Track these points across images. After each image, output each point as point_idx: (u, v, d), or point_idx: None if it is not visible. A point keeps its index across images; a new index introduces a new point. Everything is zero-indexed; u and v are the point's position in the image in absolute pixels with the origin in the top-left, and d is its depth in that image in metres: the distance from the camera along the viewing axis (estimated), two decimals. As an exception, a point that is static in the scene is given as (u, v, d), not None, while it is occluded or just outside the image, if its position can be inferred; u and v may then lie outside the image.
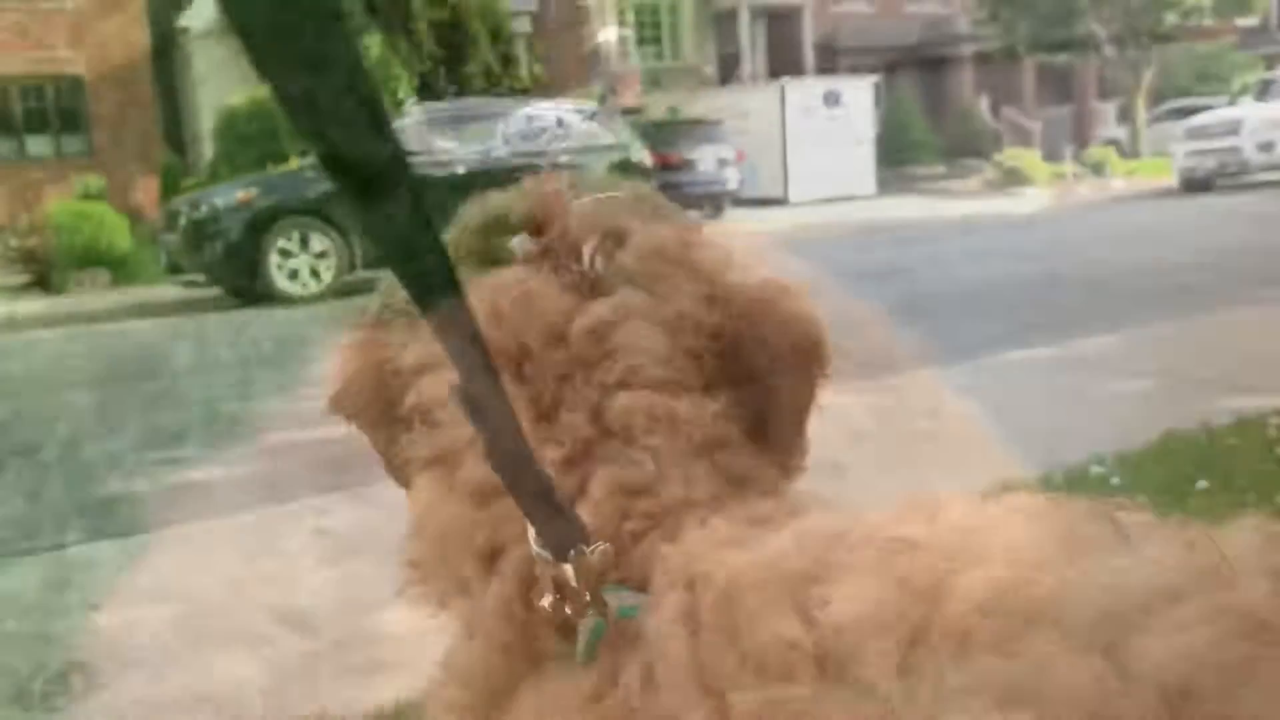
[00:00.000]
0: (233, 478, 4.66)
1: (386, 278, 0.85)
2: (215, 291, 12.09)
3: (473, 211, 0.92)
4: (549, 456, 0.74)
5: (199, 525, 3.79)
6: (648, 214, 0.83)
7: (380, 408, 0.86)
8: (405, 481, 0.85)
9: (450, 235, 0.87)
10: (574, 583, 0.67)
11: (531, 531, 0.69)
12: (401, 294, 0.84)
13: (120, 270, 14.57)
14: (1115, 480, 3.10)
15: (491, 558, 0.74)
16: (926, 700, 0.50)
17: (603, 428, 0.75)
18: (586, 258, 0.79)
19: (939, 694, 0.50)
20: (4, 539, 3.96)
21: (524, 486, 0.67)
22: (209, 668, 2.63)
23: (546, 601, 0.68)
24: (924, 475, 3.73)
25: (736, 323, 0.80)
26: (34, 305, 12.62)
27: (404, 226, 0.62)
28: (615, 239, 0.80)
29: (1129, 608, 0.50)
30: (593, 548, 0.68)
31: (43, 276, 14.41)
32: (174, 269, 12.15)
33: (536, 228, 0.82)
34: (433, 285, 0.64)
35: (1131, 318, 6.84)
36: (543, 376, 0.76)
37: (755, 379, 0.81)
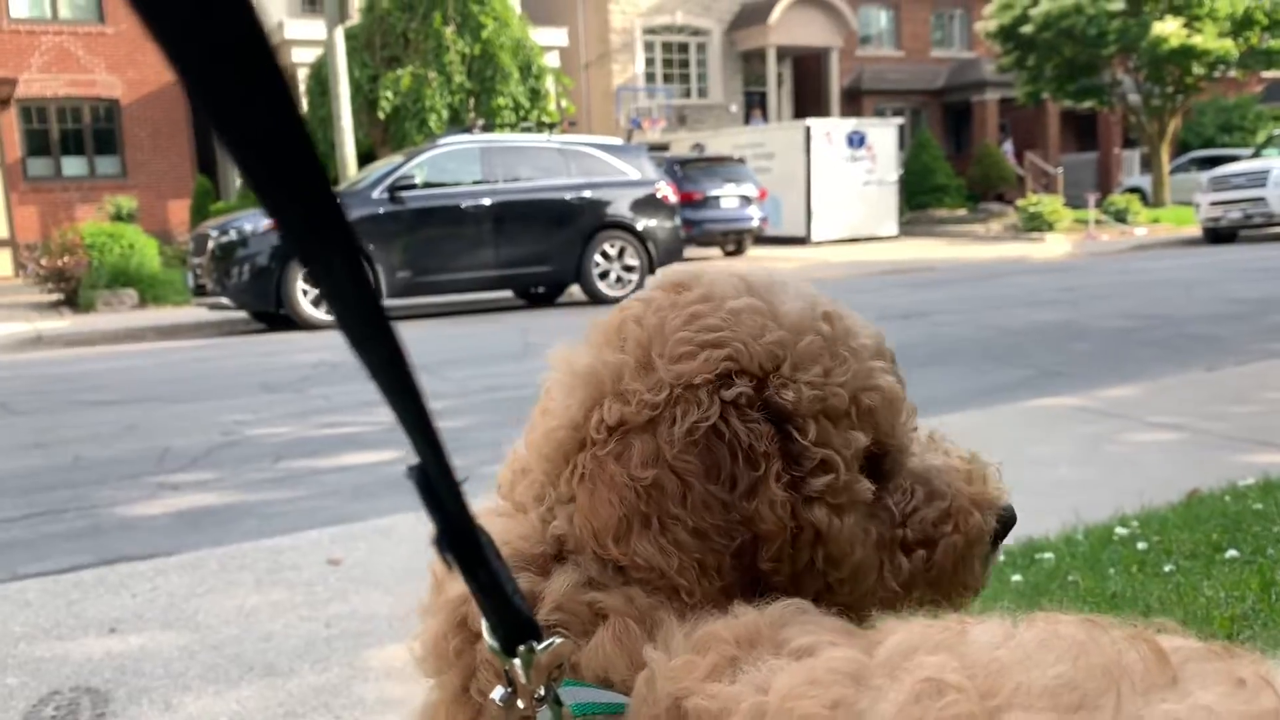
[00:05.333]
0: (249, 504, 4.67)
1: None
2: (241, 315, 12.19)
3: None
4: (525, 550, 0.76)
5: (213, 551, 3.79)
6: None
7: None
8: None
9: None
10: (524, 679, 0.66)
11: (484, 624, 0.67)
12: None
13: (148, 291, 14.73)
14: (1141, 545, 3.06)
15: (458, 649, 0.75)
16: None
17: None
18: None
19: None
20: (19, 559, 3.98)
21: (476, 576, 0.65)
22: (220, 697, 2.62)
23: (498, 695, 0.67)
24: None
25: None
26: (61, 323, 12.75)
27: (354, 299, 0.55)
28: None
29: None
30: (545, 644, 0.67)
31: (71, 295, 14.57)
32: (201, 291, 12.27)
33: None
34: (382, 358, 0.58)
35: (1154, 368, 6.79)
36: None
37: None
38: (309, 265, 0.53)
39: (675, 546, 0.73)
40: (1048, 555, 3.06)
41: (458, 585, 0.72)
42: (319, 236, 0.52)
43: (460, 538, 0.64)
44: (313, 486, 4.94)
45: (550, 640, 0.67)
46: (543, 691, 0.66)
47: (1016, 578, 2.87)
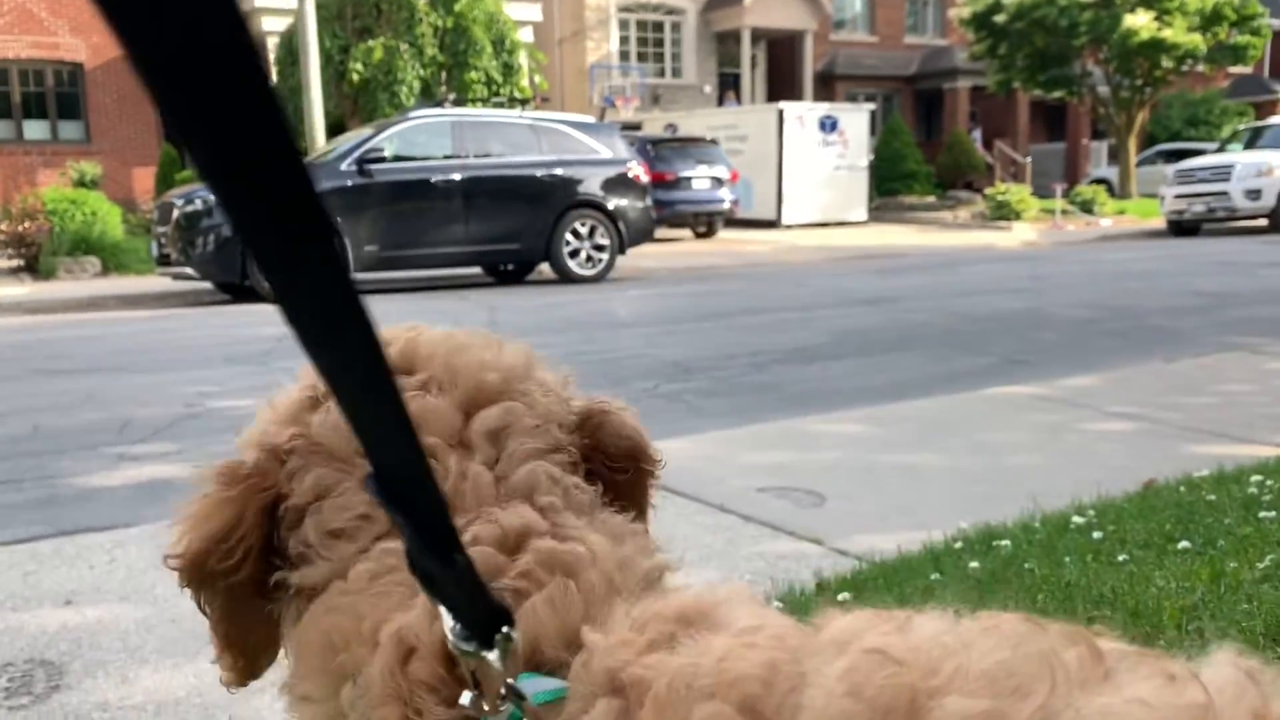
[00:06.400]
0: (211, 477, 4.62)
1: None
2: (205, 286, 12.04)
3: None
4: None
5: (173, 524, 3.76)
6: (495, 345, 0.94)
7: (255, 564, 0.85)
8: (267, 643, 0.89)
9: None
10: (498, 668, 0.65)
11: (449, 621, 0.66)
12: (284, 433, 0.87)
13: (111, 259, 14.51)
14: (1097, 534, 3.11)
15: (375, 638, 0.73)
16: None
17: (506, 500, 0.80)
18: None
19: None
20: (-24, 529, 3.93)
21: (448, 570, 0.64)
22: (177, 671, 2.61)
23: (466, 699, 0.67)
24: (901, 509, 3.74)
25: (585, 428, 0.93)
26: (21, 290, 12.54)
27: (328, 298, 0.53)
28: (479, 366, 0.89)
29: None
30: (511, 634, 0.67)
31: (32, 261, 14.32)
32: (165, 261, 12.10)
33: (406, 368, 0.89)
34: (353, 358, 0.55)
35: (1115, 359, 6.89)
36: (444, 478, 0.80)
37: (602, 473, 0.93)
38: (275, 252, 0.50)
39: None
40: (1005, 543, 3.10)
41: (397, 618, 0.72)
42: (289, 215, 0.49)
43: (435, 531, 0.63)
44: (275, 461, 4.91)
45: (514, 632, 0.66)
46: (504, 689, 0.65)
47: (974, 564, 2.91)
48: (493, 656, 0.65)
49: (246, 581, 0.85)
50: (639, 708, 0.59)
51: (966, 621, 0.57)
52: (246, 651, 0.90)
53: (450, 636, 0.66)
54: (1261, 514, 3.17)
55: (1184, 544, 2.95)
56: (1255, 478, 3.55)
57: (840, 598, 2.71)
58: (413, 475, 0.61)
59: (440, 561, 0.63)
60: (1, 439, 5.38)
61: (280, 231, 0.49)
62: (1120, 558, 2.90)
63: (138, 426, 5.56)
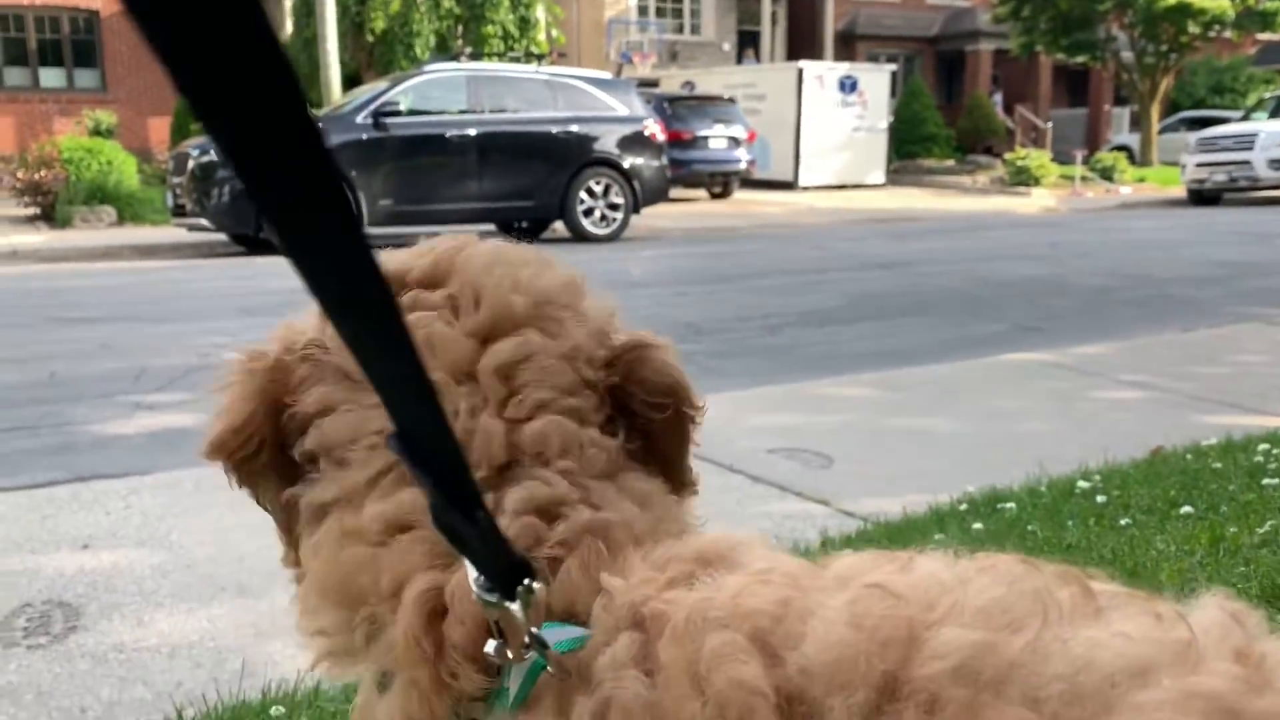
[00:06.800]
0: (225, 427, 4.67)
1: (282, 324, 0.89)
2: (220, 237, 12.07)
3: None
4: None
5: (188, 472, 3.81)
6: (538, 264, 0.89)
7: (272, 454, 0.85)
8: (291, 532, 0.86)
9: None
10: (521, 618, 0.66)
11: (472, 572, 0.67)
12: (302, 338, 0.85)
13: (127, 209, 14.53)
14: (1101, 499, 3.12)
15: (396, 595, 0.73)
16: None
17: (515, 456, 0.77)
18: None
19: None
20: (-6, 473, 3.99)
21: (471, 526, 0.65)
22: (191, 615, 2.66)
23: (491, 647, 0.68)
24: (909, 473, 3.76)
25: (620, 365, 0.87)
26: (37, 238, 12.59)
27: (342, 252, 0.53)
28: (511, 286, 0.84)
29: (1098, 683, 0.50)
30: (536, 585, 0.68)
31: (48, 210, 14.36)
32: (180, 212, 12.12)
33: (435, 281, 0.85)
34: (370, 319, 0.55)
35: (1130, 327, 6.86)
36: (453, 414, 0.78)
37: (638, 415, 0.87)
38: (287, 212, 0.50)
39: None
40: (1009, 506, 3.12)
41: (418, 581, 0.72)
42: (305, 173, 0.48)
43: (458, 487, 0.64)
44: (289, 412, 4.95)
45: (537, 582, 0.68)
46: (528, 638, 0.67)
47: (977, 525, 2.93)
48: (515, 607, 0.67)
49: (270, 470, 0.86)
50: (658, 639, 0.62)
51: (964, 561, 0.60)
52: (292, 541, 0.88)
53: (475, 588, 0.68)
54: (1265, 481, 3.18)
55: (1186, 509, 2.97)
56: (1262, 446, 3.56)
57: (845, 557, 2.73)
58: (434, 434, 0.61)
59: (464, 518, 0.64)
60: (19, 385, 5.44)
61: (290, 193, 0.49)
62: (1123, 521, 2.92)
63: (153, 376, 5.61)
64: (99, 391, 5.27)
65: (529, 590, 0.67)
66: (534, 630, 0.67)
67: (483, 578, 0.67)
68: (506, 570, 0.67)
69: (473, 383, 0.80)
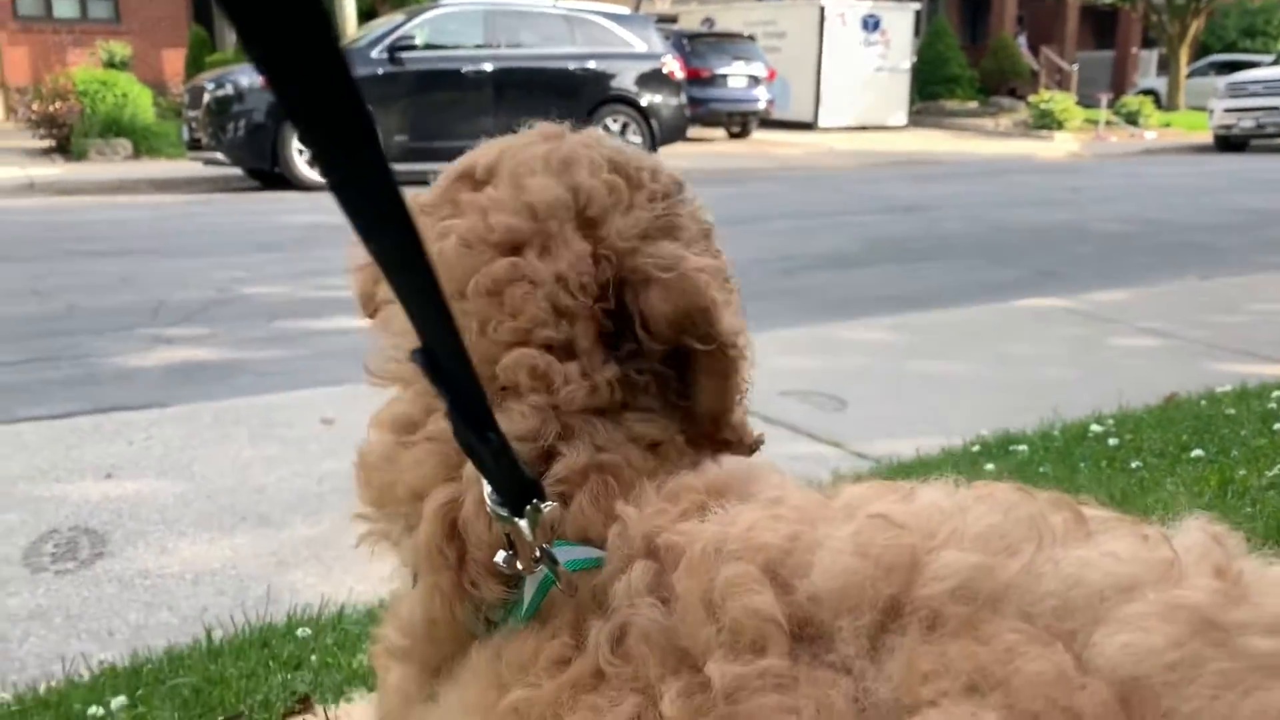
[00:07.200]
0: (243, 361, 4.72)
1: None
2: (236, 172, 12.04)
3: None
4: None
5: (208, 405, 3.86)
6: (574, 165, 0.84)
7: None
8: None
9: None
10: (529, 536, 0.70)
11: (487, 488, 0.71)
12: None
13: (142, 142, 14.47)
14: (1113, 441, 3.13)
15: (418, 499, 0.78)
16: (898, 680, 0.54)
17: (498, 383, 0.79)
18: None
19: (910, 676, 0.53)
20: (17, 403, 4.04)
21: (488, 441, 0.67)
22: (213, 544, 2.72)
23: (500, 558, 0.72)
24: (924, 416, 3.77)
25: (624, 283, 0.81)
26: (54, 170, 12.58)
27: (370, 179, 0.55)
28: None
29: (1088, 598, 0.53)
30: (546, 505, 0.71)
31: (64, 142, 14.32)
32: (195, 145, 12.07)
33: (484, 179, 0.88)
34: (389, 238, 0.57)
35: (1149, 274, 6.81)
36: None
37: (644, 344, 0.80)
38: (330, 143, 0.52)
39: None
40: (1022, 448, 3.14)
41: (439, 493, 0.76)
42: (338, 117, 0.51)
43: (472, 407, 0.66)
44: (307, 347, 4.99)
45: (549, 502, 0.72)
46: (538, 552, 0.71)
47: (989, 466, 2.95)
48: (524, 524, 0.70)
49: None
50: (673, 569, 0.65)
51: (963, 491, 0.63)
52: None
53: (489, 502, 0.71)
54: (1277, 426, 3.18)
55: (1198, 453, 2.98)
56: (1276, 394, 3.55)
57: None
58: (453, 354, 0.64)
59: (478, 436, 0.67)
60: (38, 317, 5.49)
61: (315, 110, 0.51)
62: (1134, 464, 2.93)
63: (171, 310, 5.65)
64: (118, 325, 5.31)
65: (536, 510, 0.70)
66: (544, 546, 0.71)
67: (494, 494, 0.71)
68: (517, 489, 0.70)
69: (460, 298, 0.80)
